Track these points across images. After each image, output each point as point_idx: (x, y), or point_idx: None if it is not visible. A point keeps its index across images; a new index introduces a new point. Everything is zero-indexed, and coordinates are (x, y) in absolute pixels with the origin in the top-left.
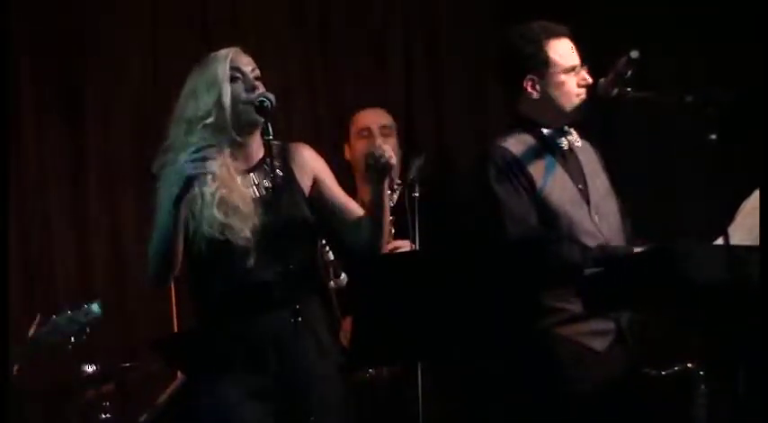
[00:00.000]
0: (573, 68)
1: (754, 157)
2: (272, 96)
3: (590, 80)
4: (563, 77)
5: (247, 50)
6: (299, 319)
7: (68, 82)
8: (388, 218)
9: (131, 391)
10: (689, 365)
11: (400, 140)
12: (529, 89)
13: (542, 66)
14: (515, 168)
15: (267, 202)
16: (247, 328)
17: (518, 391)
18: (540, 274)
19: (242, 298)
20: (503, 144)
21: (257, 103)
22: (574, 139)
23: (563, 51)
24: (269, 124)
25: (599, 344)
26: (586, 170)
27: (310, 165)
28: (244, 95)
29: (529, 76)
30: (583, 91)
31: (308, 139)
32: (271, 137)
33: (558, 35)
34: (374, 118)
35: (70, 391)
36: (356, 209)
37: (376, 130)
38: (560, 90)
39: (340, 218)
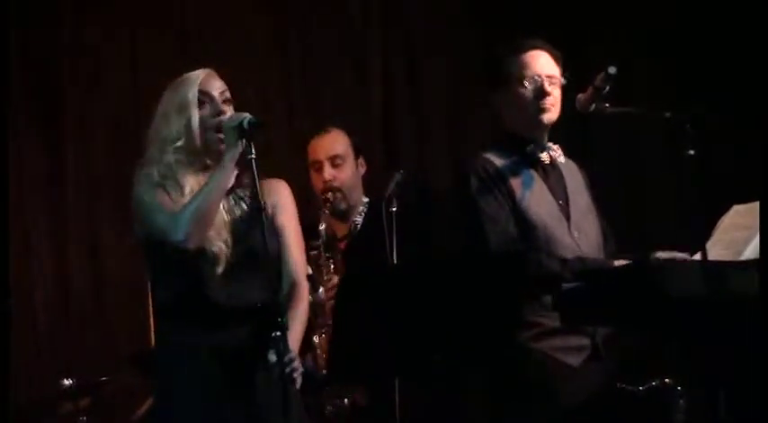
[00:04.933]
0: (531, 81)
1: (731, 173)
2: (246, 116)
3: (548, 90)
4: (520, 89)
5: (226, 66)
6: (259, 337)
7: (46, 96)
8: None
9: (108, 405)
10: (666, 380)
11: (366, 157)
12: (497, 104)
13: (503, 78)
14: (497, 179)
15: (238, 226)
16: (208, 340)
17: (493, 405)
18: (519, 284)
19: (206, 310)
20: (485, 155)
21: (246, 125)
22: (557, 154)
23: (523, 64)
24: (251, 144)
25: (574, 359)
26: (569, 187)
27: (281, 199)
28: (210, 121)
29: (495, 89)
30: (544, 103)
31: (287, 154)
32: (253, 155)
33: (525, 49)
34: (324, 148)
35: (47, 404)
36: (293, 261)
37: (326, 163)
38: (519, 103)
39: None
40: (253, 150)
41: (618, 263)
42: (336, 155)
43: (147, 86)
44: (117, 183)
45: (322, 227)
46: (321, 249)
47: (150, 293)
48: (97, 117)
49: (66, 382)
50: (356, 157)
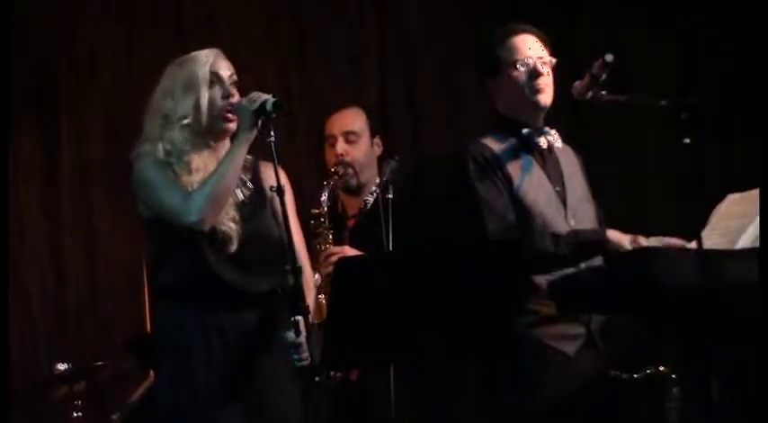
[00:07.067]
0: (523, 63)
1: (727, 161)
2: (268, 97)
3: (540, 71)
4: (512, 73)
5: (222, 50)
6: (270, 317)
7: (42, 82)
8: None
9: (103, 390)
10: (661, 369)
11: (382, 139)
12: (491, 88)
13: (495, 65)
14: (494, 165)
15: (241, 210)
16: (216, 321)
17: (488, 393)
18: (517, 270)
19: (215, 291)
20: (482, 141)
21: (270, 108)
22: (554, 139)
23: (513, 48)
24: (271, 127)
25: (569, 347)
26: (566, 173)
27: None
28: (220, 102)
29: (488, 76)
30: (538, 84)
31: (284, 140)
32: (273, 138)
33: (513, 33)
34: (340, 123)
35: (42, 389)
36: (300, 248)
37: (340, 137)
38: (512, 86)
39: None
40: (272, 133)
41: (611, 233)
42: (351, 131)
43: (142, 73)
44: (112, 169)
45: (324, 197)
46: (322, 219)
47: (146, 277)
48: (93, 103)
49: (62, 366)
50: (372, 137)
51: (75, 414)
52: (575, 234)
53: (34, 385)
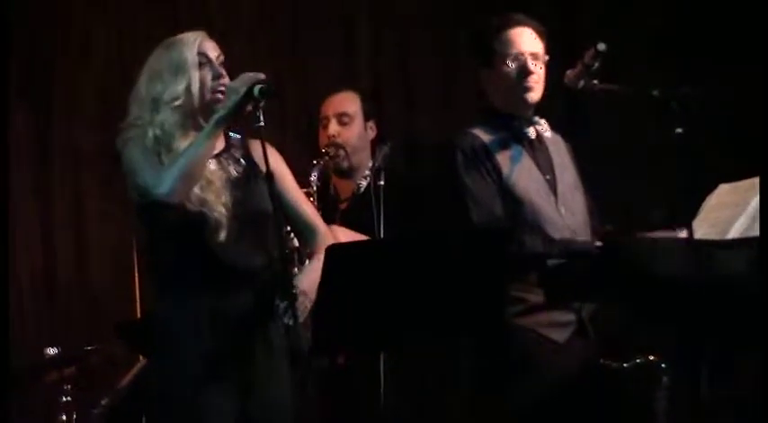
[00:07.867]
0: (515, 59)
1: (719, 153)
2: (258, 82)
3: (531, 69)
4: (504, 68)
5: (214, 35)
6: (261, 302)
7: (33, 66)
8: None
9: (93, 375)
10: (650, 358)
11: (376, 124)
12: (483, 78)
13: (488, 57)
14: (483, 155)
15: (235, 187)
16: (210, 304)
17: (477, 381)
18: (502, 262)
19: (209, 272)
20: (472, 131)
21: (257, 94)
22: (543, 129)
23: (507, 41)
24: (260, 112)
25: (559, 335)
26: (555, 162)
27: (272, 159)
28: (210, 83)
29: (481, 68)
30: (528, 82)
31: (274, 126)
32: (262, 123)
33: (509, 25)
34: (333, 105)
35: (32, 373)
36: (305, 211)
37: (333, 119)
38: (503, 81)
39: (290, 215)
40: (261, 118)
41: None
42: (344, 112)
43: (134, 57)
44: (103, 154)
45: (313, 177)
46: (311, 199)
47: (137, 262)
48: (85, 88)
49: (52, 351)
50: (366, 120)
51: (64, 398)
52: (566, 243)
53: (24, 369)
